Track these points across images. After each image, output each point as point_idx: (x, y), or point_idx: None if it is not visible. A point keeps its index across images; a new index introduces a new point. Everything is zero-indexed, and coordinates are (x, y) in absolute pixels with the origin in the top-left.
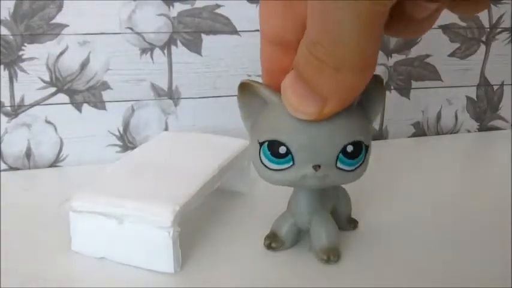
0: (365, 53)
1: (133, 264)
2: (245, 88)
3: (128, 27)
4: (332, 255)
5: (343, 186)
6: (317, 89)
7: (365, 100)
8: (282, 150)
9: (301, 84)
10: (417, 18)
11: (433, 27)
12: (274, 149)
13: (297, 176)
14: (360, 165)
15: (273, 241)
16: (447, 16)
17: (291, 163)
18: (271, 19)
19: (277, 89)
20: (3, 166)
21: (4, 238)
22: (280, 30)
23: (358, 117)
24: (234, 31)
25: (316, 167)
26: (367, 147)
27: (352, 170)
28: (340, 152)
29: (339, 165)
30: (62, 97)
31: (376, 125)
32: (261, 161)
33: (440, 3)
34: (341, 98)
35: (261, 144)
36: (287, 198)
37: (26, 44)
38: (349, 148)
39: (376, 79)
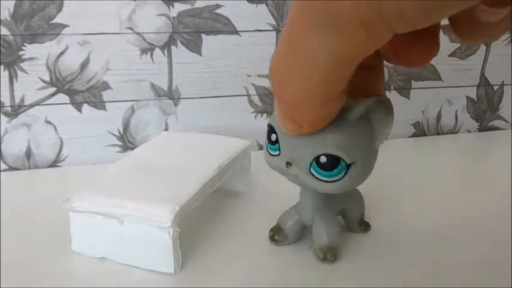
0: (330, 87)
1: (133, 264)
2: None
3: (128, 27)
4: (329, 254)
5: (357, 188)
6: (287, 112)
7: (372, 119)
8: (273, 137)
9: (281, 104)
10: (489, 22)
11: None
12: (269, 134)
13: (278, 166)
14: (340, 179)
15: (276, 233)
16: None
17: (278, 152)
18: None
19: None
20: (3, 166)
21: (4, 238)
22: None
23: (347, 133)
24: (234, 31)
25: (288, 164)
26: (349, 166)
27: (329, 181)
28: (313, 160)
29: (312, 171)
30: (62, 97)
31: None
32: (266, 142)
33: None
34: (309, 123)
35: (267, 126)
36: (287, 199)
37: (26, 44)
38: (322, 159)
39: (383, 102)
